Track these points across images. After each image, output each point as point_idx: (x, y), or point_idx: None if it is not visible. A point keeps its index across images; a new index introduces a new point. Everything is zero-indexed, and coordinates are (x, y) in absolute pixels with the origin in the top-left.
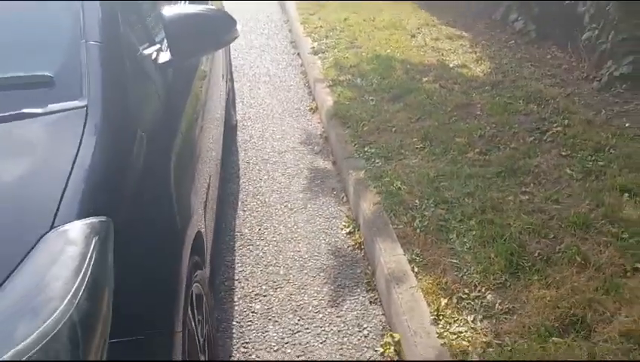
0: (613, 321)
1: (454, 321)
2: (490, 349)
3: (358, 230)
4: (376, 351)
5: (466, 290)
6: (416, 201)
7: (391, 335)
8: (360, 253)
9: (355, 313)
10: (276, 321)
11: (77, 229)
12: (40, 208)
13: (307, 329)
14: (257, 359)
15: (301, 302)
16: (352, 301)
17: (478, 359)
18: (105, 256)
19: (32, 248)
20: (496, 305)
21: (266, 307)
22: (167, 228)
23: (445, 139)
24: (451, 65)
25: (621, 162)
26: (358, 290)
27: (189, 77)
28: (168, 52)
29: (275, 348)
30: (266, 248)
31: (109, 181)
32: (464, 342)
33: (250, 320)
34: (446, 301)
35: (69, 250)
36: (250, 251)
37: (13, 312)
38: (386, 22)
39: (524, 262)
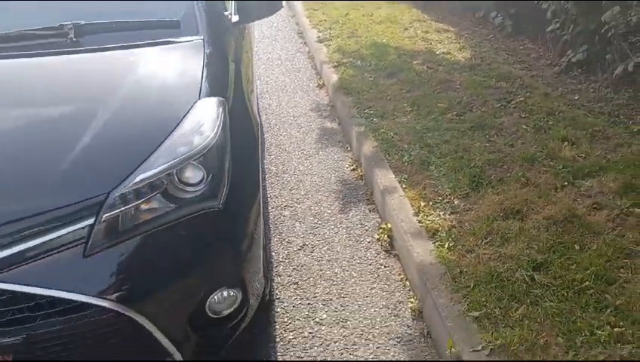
0: (541, 212)
1: (430, 215)
2: (454, 229)
3: (360, 167)
4: (373, 236)
5: (439, 198)
6: (405, 145)
7: (385, 225)
8: (361, 182)
9: (359, 216)
10: (301, 221)
11: (212, 100)
12: (192, 88)
13: (324, 226)
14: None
15: (318, 211)
16: (356, 210)
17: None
18: (226, 115)
19: (190, 108)
20: (460, 206)
21: (293, 213)
22: (247, 113)
23: (429, 105)
24: (437, 52)
25: (566, 122)
26: (360, 204)
27: (243, 36)
28: (237, 16)
29: (302, 236)
30: (289, 179)
31: (220, 78)
32: (436, 226)
33: (282, 221)
34: (424, 203)
35: (209, 109)
36: (278, 180)
37: (188, 136)
38: (382, 17)
39: (483, 181)
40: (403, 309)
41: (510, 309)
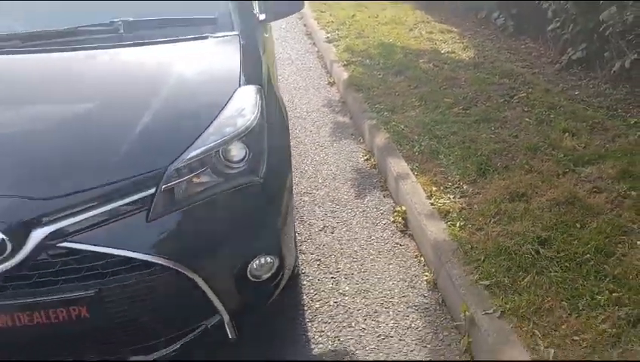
0: (544, 195)
1: (441, 198)
2: (464, 210)
3: (373, 157)
4: (389, 218)
5: (449, 183)
6: (415, 137)
7: (399, 208)
8: (375, 170)
9: (374, 201)
10: (320, 206)
11: (250, 87)
12: (232, 77)
13: (342, 209)
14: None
15: (336, 196)
16: (371, 195)
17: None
18: (262, 100)
19: (232, 95)
20: (469, 190)
21: (312, 199)
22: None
23: (436, 100)
24: (442, 51)
25: (566, 116)
26: (375, 190)
27: (268, 33)
28: (263, 14)
29: (322, 218)
30: (306, 168)
31: (255, 69)
32: (447, 207)
33: (303, 205)
34: (436, 188)
35: (248, 97)
36: (296, 169)
37: (232, 118)
38: (387, 18)
39: (490, 168)
40: (419, 281)
41: (518, 278)
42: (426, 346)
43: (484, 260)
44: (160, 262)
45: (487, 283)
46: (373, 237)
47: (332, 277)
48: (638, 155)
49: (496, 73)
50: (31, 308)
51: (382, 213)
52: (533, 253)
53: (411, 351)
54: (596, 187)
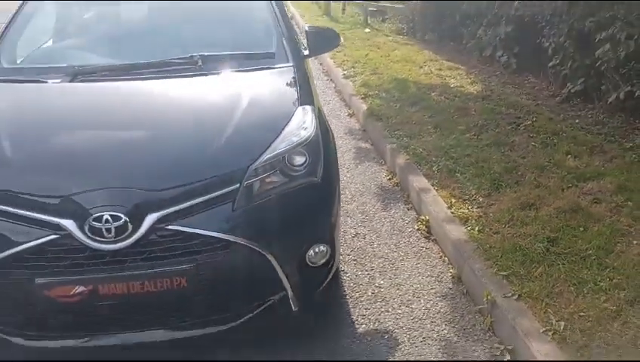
0: (551, 205)
1: (460, 208)
2: (481, 217)
3: (395, 176)
4: (413, 227)
5: (467, 196)
6: (433, 158)
7: (422, 217)
8: (397, 188)
9: (399, 213)
10: (351, 217)
11: (307, 107)
12: (293, 98)
13: (370, 220)
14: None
15: (364, 209)
16: (396, 208)
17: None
18: (316, 118)
19: (294, 113)
20: (485, 202)
21: (344, 211)
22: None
23: (450, 127)
24: (452, 86)
25: (569, 140)
26: (399, 204)
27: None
28: (307, 50)
29: (354, 227)
30: None
31: (308, 93)
32: (466, 215)
33: None
34: (455, 200)
35: (307, 114)
36: None
37: (296, 131)
38: (398, 57)
39: (502, 184)
40: (444, 276)
41: (531, 269)
42: (454, 326)
43: (501, 256)
44: (243, 242)
45: (505, 273)
46: (401, 242)
47: (368, 274)
48: (634, 173)
49: (503, 104)
50: (143, 277)
51: (407, 223)
52: (543, 250)
53: (442, 330)
54: (597, 198)
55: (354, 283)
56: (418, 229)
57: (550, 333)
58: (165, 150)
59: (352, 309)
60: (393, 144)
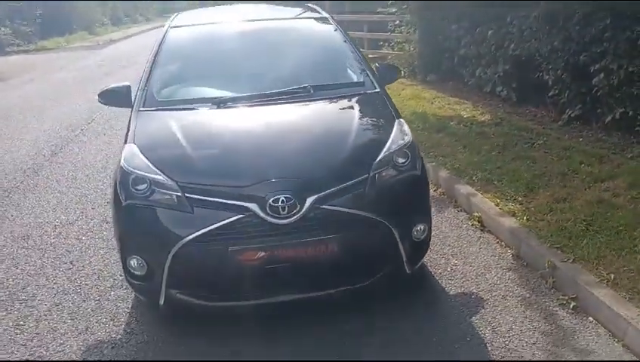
0: (580, 199)
1: (506, 205)
2: (526, 211)
3: (440, 188)
4: (468, 223)
5: (508, 197)
6: (470, 171)
7: (474, 215)
8: (444, 196)
9: (452, 214)
10: None
11: (402, 120)
12: (390, 114)
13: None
14: None
15: None
16: (448, 211)
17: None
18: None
19: (394, 124)
20: (525, 200)
21: None
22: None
23: (476, 147)
24: (465, 116)
25: (579, 153)
26: (449, 208)
27: None
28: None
29: None
30: None
31: (397, 110)
32: (512, 210)
33: None
34: (499, 200)
35: (404, 125)
36: None
37: (400, 136)
38: (409, 95)
39: (534, 186)
40: (505, 255)
41: (578, 242)
42: (523, 287)
43: (551, 235)
44: (375, 217)
45: (558, 246)
46: (462, 234)
47: (442, 257)
48: None
49: (515, 128)
50: (305, 245)
51: (461, 221)
52: (583, 228)
53: (515, 289)
54: (615, 193)
55: (434, 264)
56: (472, 224)
57: (605, 282)
58: (313, 150)
59: (439, 280)
60: (432, 162)
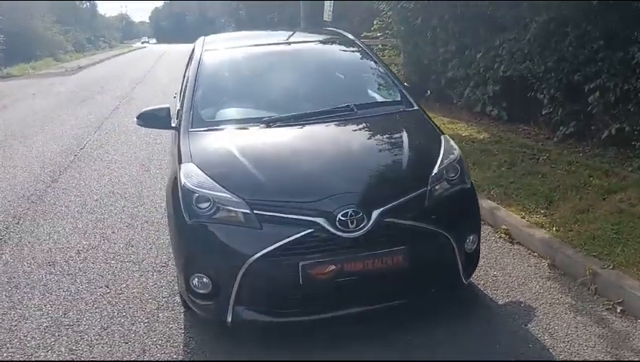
0: (602, 209)
1: (532, 218)
2: (552, 222)
3: None
4: (495, 236)
5: (531, 210)
6: (486, 186)
7: (501, 227)
8: None
9: None
10: None
11: (447, 136)
12: (435, 130)
13: None
14: None
15: None
16: None
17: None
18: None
19: (441, 140)
20: (548, 212)
21: None
22: None
23: (485, 164)
24: (464, 135)
25: (584, 167)
26: None
27: None
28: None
29: None
30: None
31: (438, 126)
32: (539, 222)
33: None
34: (523, 213)
35: (450, 141)
36: None
37: (449, 151)
38: None
39: (554, 199)
40: (541, 265)
41: (612, 249)
42: (567, 295)
43: (584, 244)
44: (435, 229)
45: (595, 253)
46: (492, 247)
47: (480, 269)
48: None
49: (516, 145)
50: (373, 257)
51: (487, 234)
52: (614, 236)
53: (560, 297)
54: (631, 203)
55: (475, 275)
56: (500, 237)
57: None
58: (373, 165)
59: (484, 291)
60: None
